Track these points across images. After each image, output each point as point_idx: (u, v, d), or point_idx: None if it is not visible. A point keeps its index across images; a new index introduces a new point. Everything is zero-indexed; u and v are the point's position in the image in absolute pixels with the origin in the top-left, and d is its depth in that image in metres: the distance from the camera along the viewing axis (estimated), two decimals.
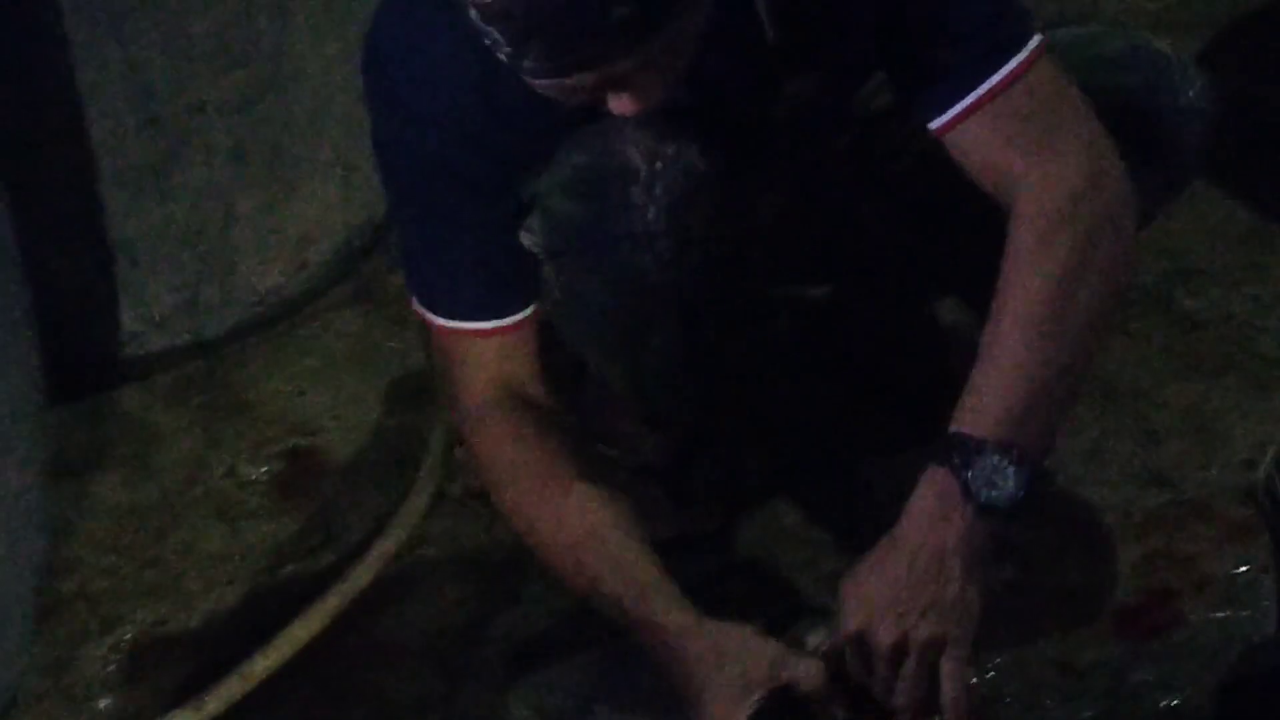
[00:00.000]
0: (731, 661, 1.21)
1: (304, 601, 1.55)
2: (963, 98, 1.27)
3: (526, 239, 1.35)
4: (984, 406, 1.21)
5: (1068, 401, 1.27)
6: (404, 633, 1.58)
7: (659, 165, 1.28)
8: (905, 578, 1.20)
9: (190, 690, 1.49)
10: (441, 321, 1.35)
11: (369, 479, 1.71)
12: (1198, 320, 1.83)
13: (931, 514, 1.21)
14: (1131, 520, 1.61)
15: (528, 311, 1.35)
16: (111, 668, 1.58)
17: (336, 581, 1.57)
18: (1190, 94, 1.39)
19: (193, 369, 1.89)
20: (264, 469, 1.77)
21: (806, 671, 1.19)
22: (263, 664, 1.51)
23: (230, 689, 1.49)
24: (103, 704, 1.55)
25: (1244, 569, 1.54)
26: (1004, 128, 1.27)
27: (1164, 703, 1.43)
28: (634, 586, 1.27)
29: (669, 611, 1.25)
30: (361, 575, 1.58)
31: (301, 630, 1.53)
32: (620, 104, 1.16)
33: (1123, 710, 1.43)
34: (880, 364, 1.67)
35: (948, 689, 1.19)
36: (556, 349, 1.51)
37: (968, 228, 1.44)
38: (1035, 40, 1.27)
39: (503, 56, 1.09)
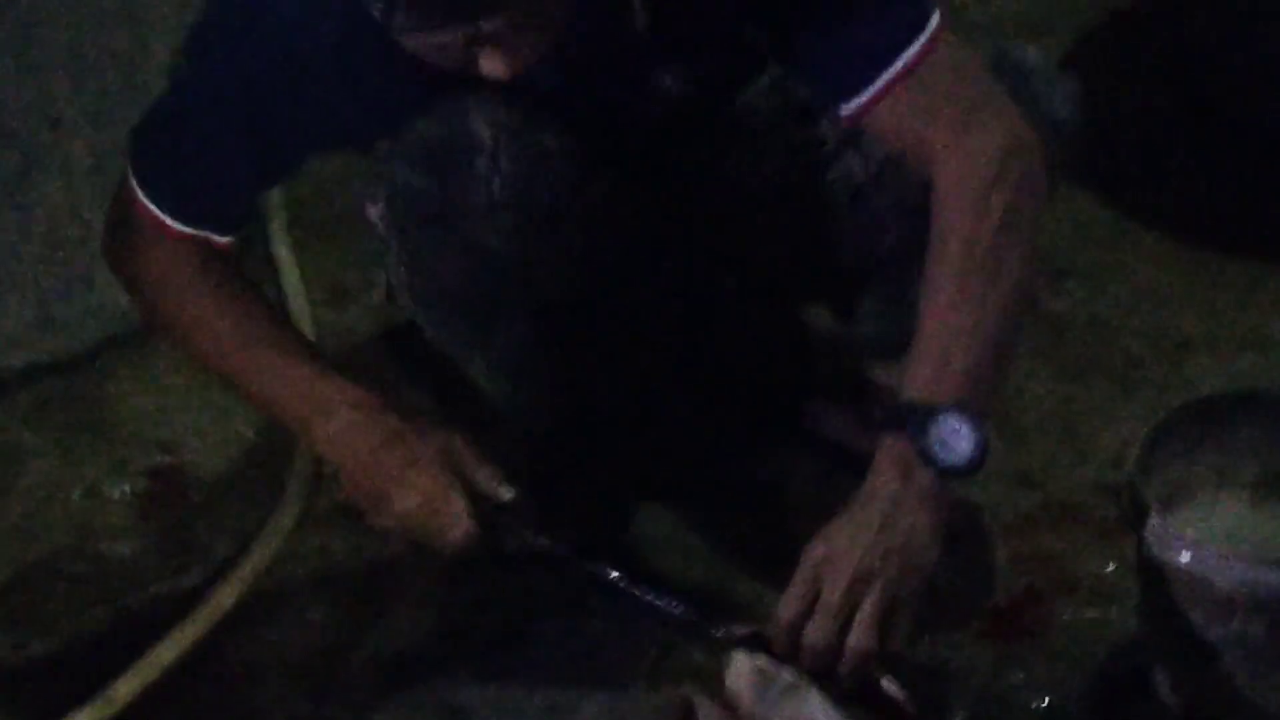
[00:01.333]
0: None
1: (168, 624, 1.49)
2: (877, 79, 1.26)
3: (372, 212, 1.37)
4: (933, 372, 1.22)
5: (1005, 360, 1.28)
6: (271, 653, 1.51)
7: (505, 138, 1.28)
8: (872, 537, 1.19)
9: (52, 717, 1.42)
10: (165, 218, 1.32)
11: (234, 496, 1.66)
12: (1064, 321, 1.83)
13: (893, 481, 1.21)
14: (1001, 521, 1.59)
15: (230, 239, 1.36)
16: None
17: (200, 603, 1.51)
18: (1055, 101, 1.41)
19: (53, 387, 1.82)
20: (125, 488, 1.70)
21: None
22: (126, 688, 1.44)
23: (94, 714, 1.42)
24: None
25: (1112, 568, 1.53)
26: (921, 104, 1.27)
27: (1035, 704, 1.41)
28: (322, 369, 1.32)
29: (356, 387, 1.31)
30: (226, 595, 1.52)
31: (166, 653, 1.47)
32: (491, 64, 1.17)
33: (994, 713, 1.41)
34: (741, 365, 1.65)
35: (893, 642, 1.20)
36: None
37: (832, 236, 1.47)
38: (937, 16, 1.27)
39: (376, 12, 1.11)
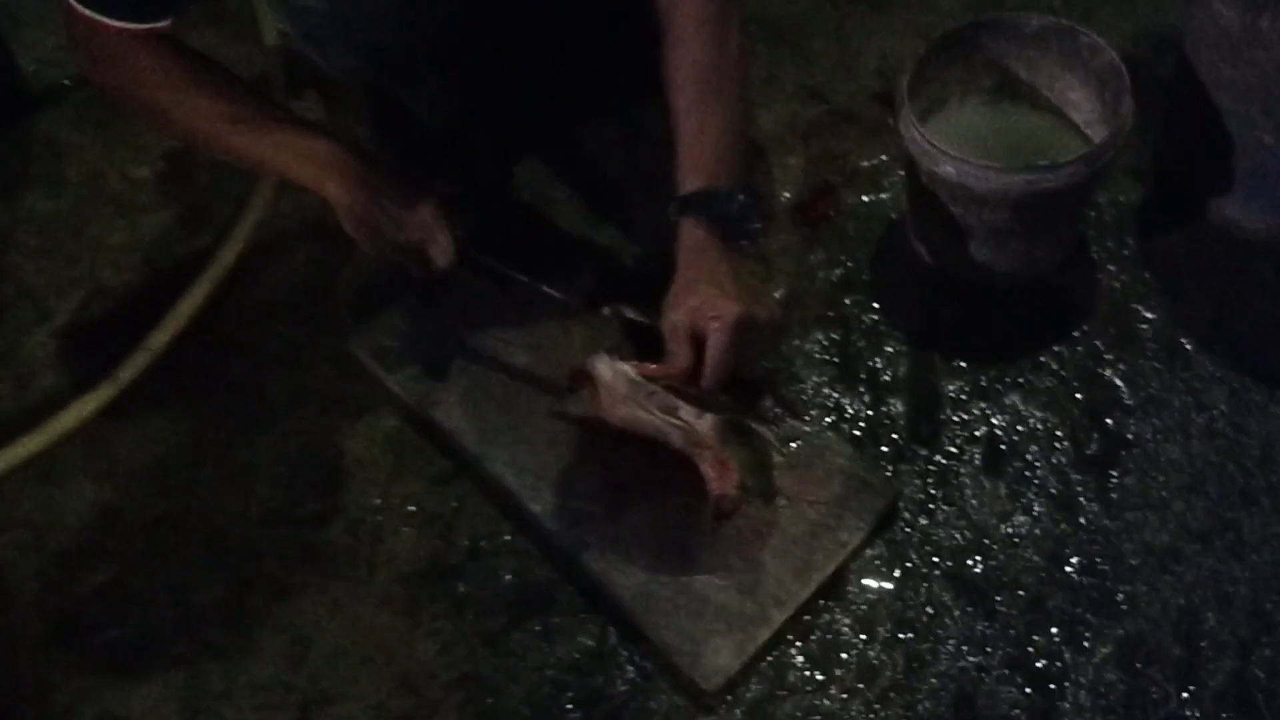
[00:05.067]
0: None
1: (189, 278, 1.69)
2: None
3: (282, 23, 1.46)
4: (707, 162, 1.33)
5: (746, 136, 1.40)
6: (269, 293, 1.73)
7: None
8: (722, 284, 1.29)
9: (110, 363, 1.62)
10: (102, 18, 1.34)
11: (233, 168, 1.78)
12: None
13: (716, 248, 1.31)
14: (796, 132, 1.79)
15: (169, 22, 1.38)
16: (48, 351, 1.71)
17: (211, 260, 1.72)
18: None
19: (90, 93, 1.92)
20: (147, 169, 1.86)
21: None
22: (160, 338, 1.66)
23: (138, 362, 1.64)
24: (45, 383, 1.68)
25: (881, 159, 1.75)
26: None
27: (834, 275, 1.66)
28: (312, 130, 1.41)
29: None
30: (229, 252, 1.73)
31: (187, 305, 1.69)
32: None
33: (804, 286, 1.65)
34: (600, 35, 1.70)
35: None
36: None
37: None
38: None
39: None
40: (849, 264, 1.69)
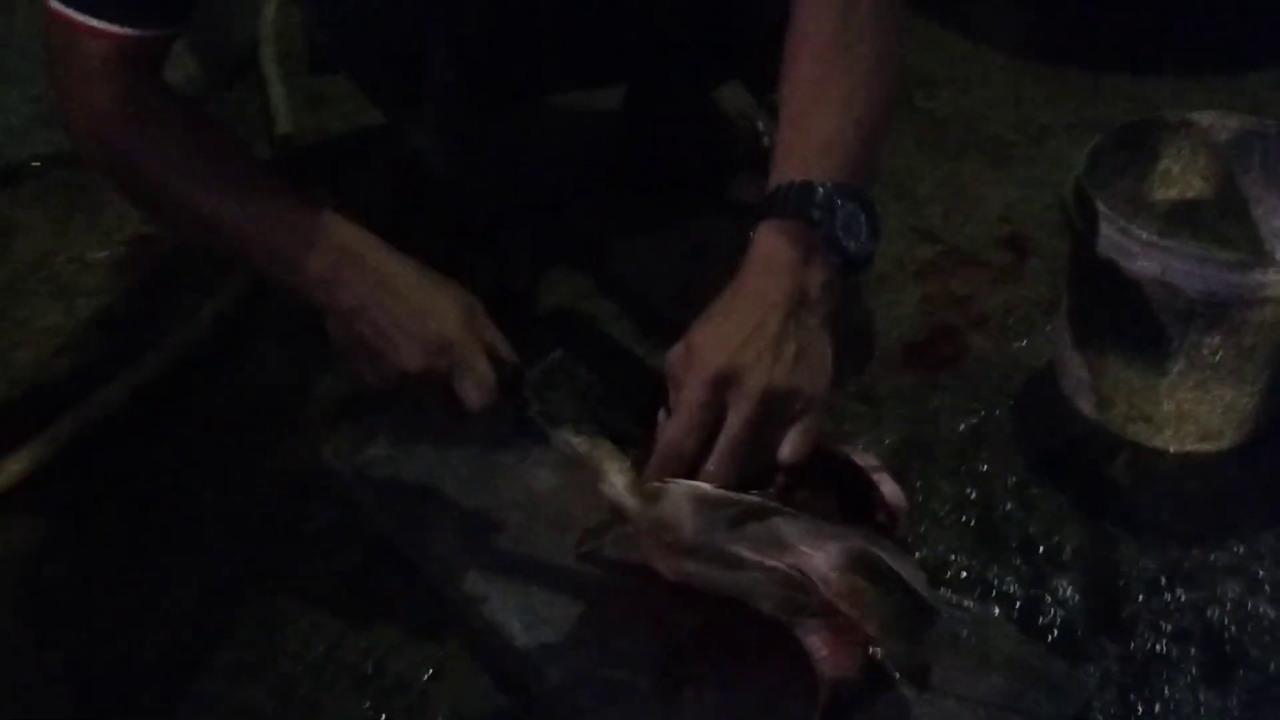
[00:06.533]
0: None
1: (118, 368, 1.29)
2: None
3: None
4: (808, 150, 0.94)
5: (882, 144, 1.00)
6: (233, 394, 1.31)
7: None
8: (757, 330, 0.89)
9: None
10: (80, 17, 0.96)
11: (207, 259, 1.43)
12: (938, 117, 1.72)
13: (788, 264, 0.91)
14: (907, 270, 1.43)
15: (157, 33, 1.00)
16: None
17: (161, 348, 1.32)
18: None
19: (57, 177, 1.61)
20: (107, 253, 1.50)
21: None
22: (66, 428, 1.23)
23: (33, 454, 1.20)
24: None
25: (1017, 307, 1.37)
26: None
27: (963, 424, 1.24)
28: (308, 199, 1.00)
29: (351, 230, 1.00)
30: (183, 341, 1.33)
31: (109, 394, 1.27)
32: None
33: (925, 433, 1.23)
34: (662, 144, 1.47)
35: (794, 451, 0.91)
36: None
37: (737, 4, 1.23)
38: None
39: None
40: (981, 413, 1.25)
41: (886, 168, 1.60)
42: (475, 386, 0.96)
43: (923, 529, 1.13)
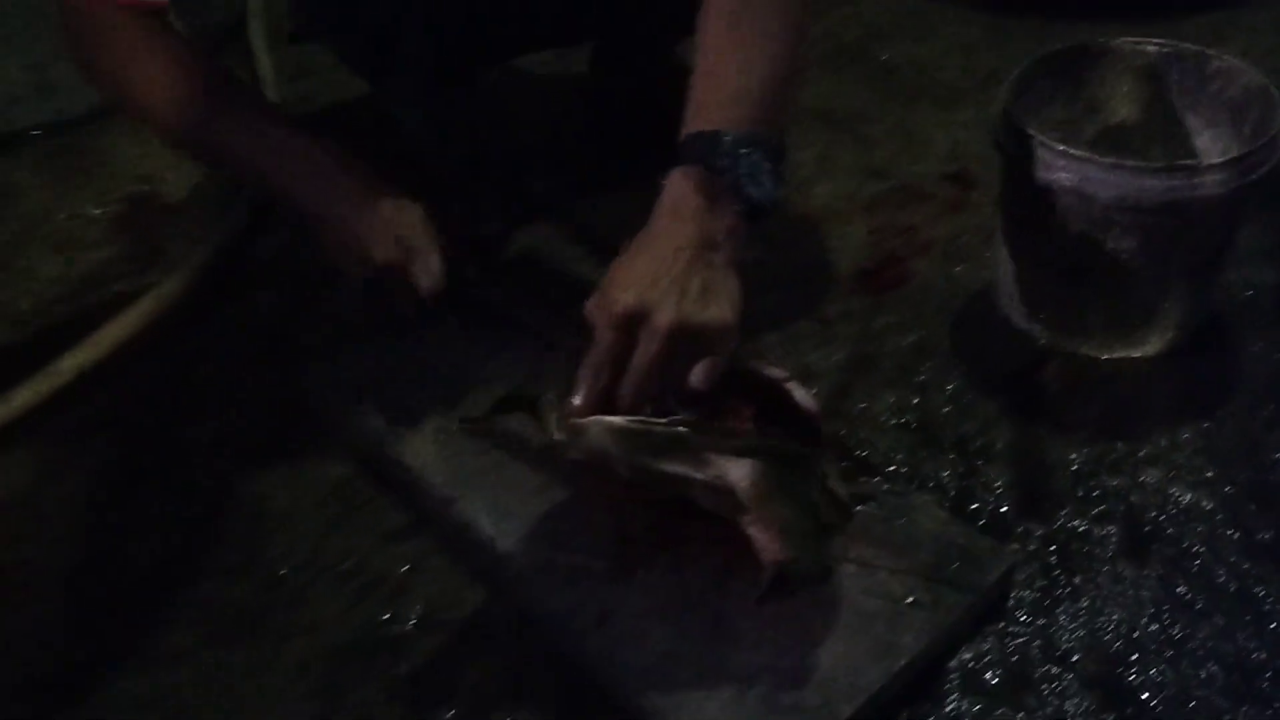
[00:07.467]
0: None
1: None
2: None
3: None
4: (718, 102, 0.98)
5: (788, 100, 1.03)
6: (216, 334, 1.37)
7: None
8: (664, 270, 0.93)
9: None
10: None
11: (199, 216, 1.51)
12: (892, 65, 1.79)
13: (694, 210, 0.95)
14: (857, 204, 1.49)
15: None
16: None
17: (153, 289, 1.38)
18: None
19: (56, 142, 1.69)
20: (104, 209, 1.57)
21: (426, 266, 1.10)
22: (69, 363, 1.29)
23: (37, 387, 1.27)
24: None
25: (959, 235, 1.43)
26: None
27: (905, 341, 1.29)
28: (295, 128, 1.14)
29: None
30: (175, 284, 1.39)
31: (110, 334, 1.33)
32: None
33: (871, 349, 1.29)
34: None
35: (703, 379, 0.94)
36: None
37: None
38: None
39: None
40: (923, 331, 1.31)
41: (842, 113, 1.67)
42: (426, 273, 1.12)
43: (865, 434, 1.19)
